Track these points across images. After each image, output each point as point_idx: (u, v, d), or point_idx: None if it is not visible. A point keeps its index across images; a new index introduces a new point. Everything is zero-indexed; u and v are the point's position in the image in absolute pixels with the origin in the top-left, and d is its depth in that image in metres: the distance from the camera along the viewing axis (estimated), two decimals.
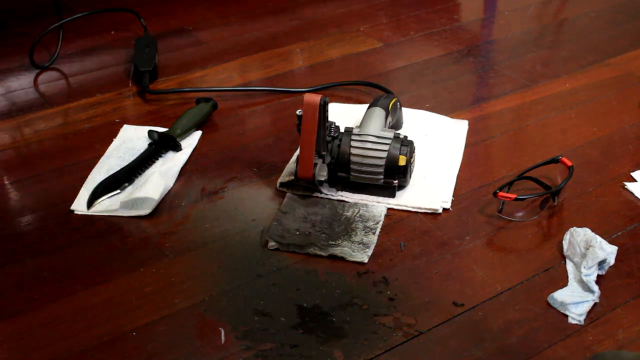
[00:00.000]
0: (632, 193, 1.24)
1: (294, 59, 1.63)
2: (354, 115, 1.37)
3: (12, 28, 1.73)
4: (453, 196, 1.23)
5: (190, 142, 1.35)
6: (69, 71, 1.59)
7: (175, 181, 1.26)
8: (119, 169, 1.26)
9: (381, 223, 1.17)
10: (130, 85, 1.53)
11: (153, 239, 1.15)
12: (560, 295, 1.04)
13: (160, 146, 1.31)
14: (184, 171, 1.29)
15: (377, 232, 1.15)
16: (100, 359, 0.96)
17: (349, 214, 1.19)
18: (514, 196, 1.17)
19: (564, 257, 1.11)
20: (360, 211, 1.19)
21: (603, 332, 1.00)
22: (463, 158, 1.32)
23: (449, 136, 1.37)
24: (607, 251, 1.08)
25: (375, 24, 1.77)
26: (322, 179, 1.19)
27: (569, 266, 1.09)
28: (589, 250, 1.07)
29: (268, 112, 1.46)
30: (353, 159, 1.19)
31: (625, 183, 1.26)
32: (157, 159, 1.29)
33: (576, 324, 1.01)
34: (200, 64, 1.61)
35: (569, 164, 1.24)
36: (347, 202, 1.21)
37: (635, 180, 1.26)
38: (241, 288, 1.06)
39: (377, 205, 1.20)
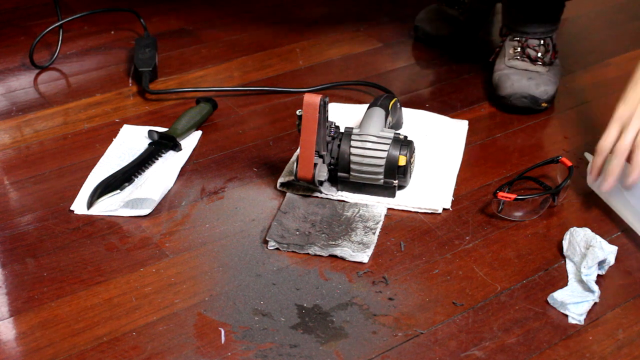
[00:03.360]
0: None
1: (294, 59, 1.63)
2: (354, 115, 1.37)
3: (12, 27, 1.73)
4: (453, 196, 1.23)
5: (190, 142, 1.35)
6: (69, 71, 1.59)
7: (175, 181, 1.26)
8: (119, 169, 1.26)
9: (381, 223, 1.17)
10: (130, 85, 1.53)
11: (153, 239, 1.14)
12: (560, 295, 1.04)
13: (160, 146, 1.31)
14: (184, 171, 1.29)
15: (377, 232, 1.15)
16: (100, 359, 0.96)
17: (349, 214, 1.19)
18: (514, 196, 1.17)
19: (564, 257, 1.11)
20: (360, 211, 1.19)
21: (603, 332, 1.00)
22: (463, 158, 1.32)
23: (449, 136, 1.37)
24: (607, 251, 1.08)
25: (375, 24, 1.76)
26: (322, 179, 1.19)
27: (569, 266, 1.09)
28: (589, 250, 1.07)
29: (268, 112, 1.46)
30: (353, 159, 1.19)
31: None
32: (157, 159, 1.29)
33: (576, 324, 1.01)
34: (200, 64, 1.61)
35: (569, 164, 1.24)
36: (347, 202, 1.21)
37: None
38: (241, 288, 1.06)
39: (377, 205, 1.20)
